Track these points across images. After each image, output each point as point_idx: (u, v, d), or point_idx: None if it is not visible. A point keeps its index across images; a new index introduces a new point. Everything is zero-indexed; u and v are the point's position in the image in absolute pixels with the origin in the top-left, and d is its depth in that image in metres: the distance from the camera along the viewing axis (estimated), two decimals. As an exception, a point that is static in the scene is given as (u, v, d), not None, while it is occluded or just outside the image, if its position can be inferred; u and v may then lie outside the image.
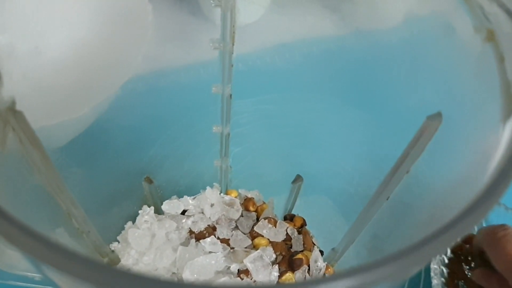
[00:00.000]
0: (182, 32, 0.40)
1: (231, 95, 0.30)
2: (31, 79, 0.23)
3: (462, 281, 0.41)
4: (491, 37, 0.18)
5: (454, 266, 0.42)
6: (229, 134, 0.33)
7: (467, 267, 0.43)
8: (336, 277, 0.11)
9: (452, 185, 0.19)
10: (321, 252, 0.33)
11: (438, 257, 0.40)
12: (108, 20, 0.35)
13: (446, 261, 0.42)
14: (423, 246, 0.11)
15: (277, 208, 0.37)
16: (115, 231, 0.32)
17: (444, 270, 0.42)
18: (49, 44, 0.25)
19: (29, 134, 0.20)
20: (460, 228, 0.13)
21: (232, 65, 0.29)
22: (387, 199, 0.25)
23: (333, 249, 0.32)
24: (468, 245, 0.43)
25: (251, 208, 0.34)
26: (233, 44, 0.28)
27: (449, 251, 0.43)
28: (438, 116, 0.20)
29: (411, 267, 0.11)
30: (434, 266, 0.40)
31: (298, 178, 0.34)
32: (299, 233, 0.33)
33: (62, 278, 0.13)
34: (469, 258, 0.43)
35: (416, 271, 0.13)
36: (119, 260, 0.30)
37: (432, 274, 0.39)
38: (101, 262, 0.11)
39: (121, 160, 0.35)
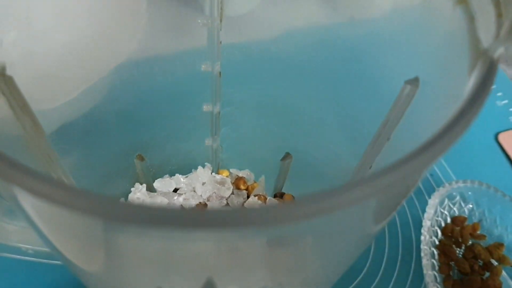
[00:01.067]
0: (176, 19, 0.41)
1: (220, 73, 0.31)
2: (21, 49, 0.24)
3: (453, 262, 0.42)
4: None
5: (444, 247, 0.43)
6: (219, 113, 0.34)
7: (458, 249, 0.43)
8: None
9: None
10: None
11: (428, 238, 0.41)
12: (102, 5, 0.36)
13: (437, 242, 0.43)
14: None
15: (268, 188, 0.37)
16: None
17: (435, 251, 0.42)
18: (38, 26, 0.26)
19: (19, 100, 0.21)
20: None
21: (221, 42, 0.30)
22: (370, 168, 0.25)
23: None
24: (458, 227, 0.44)
25: (242, 187, 0.35)
26: (220, 21, 0.28)
27: (439, 233, 0.43)
28: (415, 80, 0.21)
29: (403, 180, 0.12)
30: (424, 247, 0.40)
31: (287, 156, 0.35)
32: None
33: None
34: (460, 240, 0.43)
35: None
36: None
37: (422, 254, 0.40)
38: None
39: (114, 140, 0.35)
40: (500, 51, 0.15)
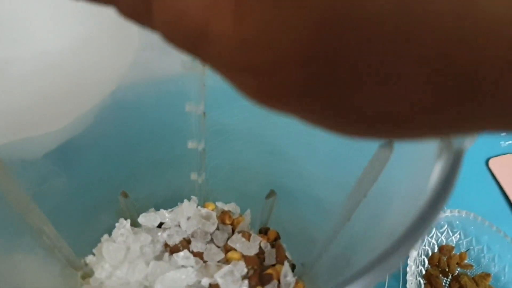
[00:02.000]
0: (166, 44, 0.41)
1: (204, 113, 0.31)
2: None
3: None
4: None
5: (431, 277, 0.43)
6: (204, 150, 0.34)
7: (445, 278, 0.43)
8: None
9: (399, 207, 0.20)
10: (293, 266, 0.33)
11: (414, 268, 0.41)
12: (91, 31, 0.36)
13: (424, 272, 0.43)
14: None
15: (255, 220, 0.37)
16: (91, 243, 0.33)
17: (421, 281, 0.42)
18: (17, 58, 0.26)
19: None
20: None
21: (204, 85, 0.29)
22: (349, 220, 0.25)
23: (302, 264, 0.32)
24: (446, 256, 0.44)
25: (227, 221, 0.35)
26: (203, 65, 0.28)
27: (426, 262, 0.43)
28: (389, 144, 0.21)
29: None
30: (410, 278, 0.40)
31: (271, 193, 0.35)
32: (273, 246, 0.34)
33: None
34: (447, 270, 0.43)
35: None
36: (93, 273, 0.31)
37: (407, 286, 0.40)
38: None
39: (98, 174, 0.35)
40: (466, 144, 0.15)
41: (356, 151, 0.27)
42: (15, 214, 0.24)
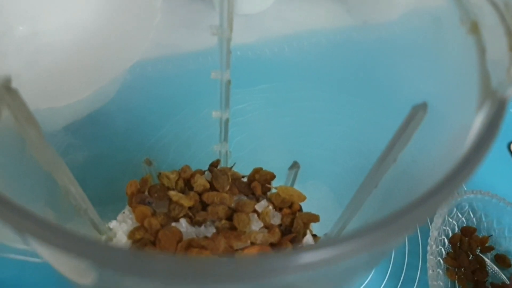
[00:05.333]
0: (190, 19, 0.41)
1: (230, 81, 0.31)
2: (27, 61, 0.24)
3: (463, 268, 0.42)
4: (475, 29, 0.18)
5: (452, 258, 0.42)
6: (228, 120, 0.33)
7: (465, 259, 0.43)
8: (321, 245, 0.11)
9: (433, 172, 0.20)
10: (315, 236, 0.33)
11: (434, 248, 0.40)
12: (116, 4, 0.36)
13: (443, 252, 0.43)
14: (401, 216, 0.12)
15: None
16: (115, 210, 0.33)
17: (441, 261, 0.42)
18: (47, 27, 0.26)
19: (24, 112, 0.21)
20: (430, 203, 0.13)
21: (231, 52, 0.29)
22: (376, 187, 0.25)
23: (325, 234, 0.32)
24: (467, 238, 0.43)
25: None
26: (231, 31, 0.28)
27: (446, 242, 0.43)
28: (423, 106, 0.21)
29: (393, 236, 0.12)
30: (430, 257, 0.40)
31: (294, 164, 0.35)
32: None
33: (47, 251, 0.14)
34: (468, 252, 0.43)
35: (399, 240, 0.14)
36: (115, 236, 0.31)
37: (428, 265, 0.40)
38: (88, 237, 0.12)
39: (124, 142, 0.35)
40: (509, 92, 0.15)
41: (384, 118, 0.27)
42: (45, 173, 0.24)
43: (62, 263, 0.17)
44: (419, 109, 0.21)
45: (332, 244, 0.12)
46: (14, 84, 0.20)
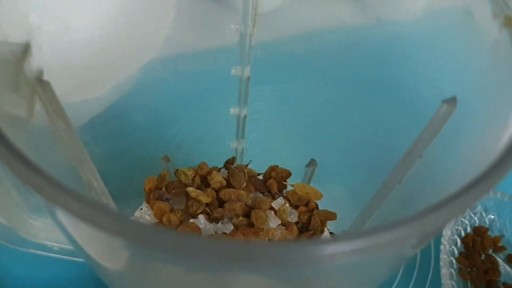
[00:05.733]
0: (204, 17, 0.41)
1: (249, 77, 0.31)
2: (58, 54, 0.24)
3: (475, 268, 0.42)
4: (508, 23, 0.18)
5: (464, 258, 0.42)
6: (245, 116, 0.34)
7: (478, 259, 0.43)
8: (341, 238, 0.11)
9: (460, 170, 0.20)
10: (332, 234, 0.33)
11: (448, 247, 0.40)
12: (133, 2, 0.36)
13: (456, 251, 0.43)
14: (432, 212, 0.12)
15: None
16: (134, 205, 0.33)
17: (454, 260, 0.42)
18: (77, 22, 0.26)
19: (55, 104, 0.21)
20: (461, 202, 0.13)
21: (252, 48, 0.29)
22: (399, 183, 0.25)
23: (344, 231, 0.32)
24: (479, 237, 0.43)
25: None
26: (254, 26, 0.28)
27: (459, 242, 0.43)
28: (453, 100, 0.21)
29: (419, 232, 0.12)
30: (444, 256, 0.40)
31: (312, 162, 0.35)
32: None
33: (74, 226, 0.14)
34: (480, 252, 0.43)
35: (426, 240, 0.14)
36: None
37: (441, 263, 0.40)
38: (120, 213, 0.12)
39: (140, 139, 0.35)
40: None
41: (404, 116, 0.27)
42: (71, 166, 0.24)
43: (93, 244, 0.17)
44: (448, 103, 0.21)
45: (364, 235, 0.12)
46: (45, 77, 0.21)
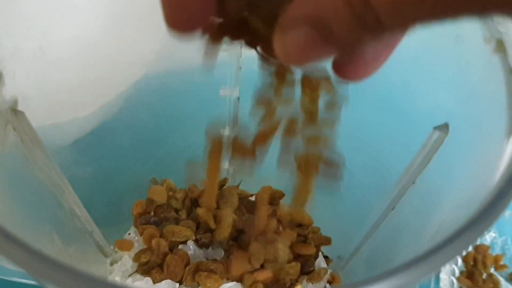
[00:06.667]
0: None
1: (238, 98, 0.30)
2: (35, 79, 0.23)
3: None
4: (500, 48, 0.17)
5: (465, 277, 0.41)
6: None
7: (480, 278, 0.42)
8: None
9: (454, 196, 0.19)
10: (327, 258, 0.32)
11: (448, 267, 0.39)
12: (118, 18, 0.35)
13: (456, 271, 0.42)
14: (430, 256, 0.11)
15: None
16: (121, 230, 0.32)
17: (454, 281, 0.41)
18: (54, 43, 0.25)
19: (30, 134, 0.20)
20: (463, 240, 0.12)
21: (240, 68, 0.29)
22: (393, 209, 0.24)
23: (338, 257, 0.31)
24: (480, 256, 0.42)
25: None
26: (241, 47, 0.27)
27: (460, 262, 0.42)
28: (444, 127, 0.20)
29: (417, 278, 0.11)
30: (443, 276, 0.39)
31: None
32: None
33: None
34: (482, 271, 0.42)
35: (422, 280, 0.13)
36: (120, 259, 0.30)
37: (441, 284, 0.39)
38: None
39: (129, 160, 0.35)
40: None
41: (401, 136, 0.26)
42: (51, 195, 0.23)
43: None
44: (440, 130, 0.20)
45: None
46: (21, 105, 0.20)
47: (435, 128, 0.20)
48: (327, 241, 0.31)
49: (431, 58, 0.22)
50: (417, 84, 0.24)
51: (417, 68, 0.23)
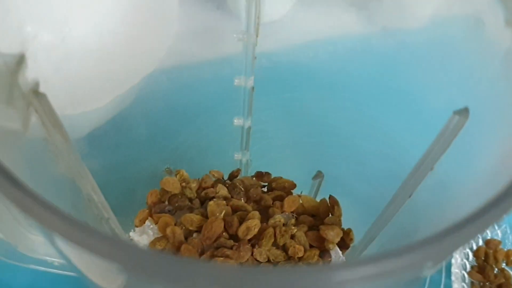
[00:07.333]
0: (207, 27, 0.40)
1: (253, 88, 0.30)
2: (54, 66, 0.23)
3: (488, 282, 0.40)
4: (522, 30, 0.17)
5: (477, 272, 0.41)
6: (250, 128, 0.33)
7: (492, 273, 0.42)
8: (355, 264, 0.10)
9: (474, 184, 0.19)
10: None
11: (459, 261, 0.39)
12: (134, 12, 0.36)
13: (467, 265, 0.42)
14: (445, 237, 0.11)
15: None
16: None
17: (466, 275, 0.41)
18: (74, 32, 0.26)
19: (51, 117, 0.20)
20: (478, 225, 0.12)
21: (255, 58, 0.29)
22: (410, 197, 0.24)
23: (353, 246, 0.31)
24: (491, 251, 0.42)
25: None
26: (257, 36, 0.27)
27: (470, 255, 0.42)
28: (465, 111, 0.20)
29: (432, 257, 0.11)
30: (455, 270, 0.39)
31: (318, 174, 0.34)
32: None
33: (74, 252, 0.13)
34: (493, 266, 0.42)
35: (440, 262, 0.13)
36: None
37: (453, 278, 0.39)
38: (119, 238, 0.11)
39: (143, 151, 0.35)
40: None
41: (414, 126, 0.26)
42: (69, 181, 0.23)
43: (89, 266, 0.16)
44: (460, 114, 0.20)
45: (375, 261, 0.11)
46: (42, 89, 0.20)
47: (455, 112, 0.20)
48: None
49: (449, 42, 0.22)
50: (436, 68, 0.24)
51: (436, 52, 0.23)
